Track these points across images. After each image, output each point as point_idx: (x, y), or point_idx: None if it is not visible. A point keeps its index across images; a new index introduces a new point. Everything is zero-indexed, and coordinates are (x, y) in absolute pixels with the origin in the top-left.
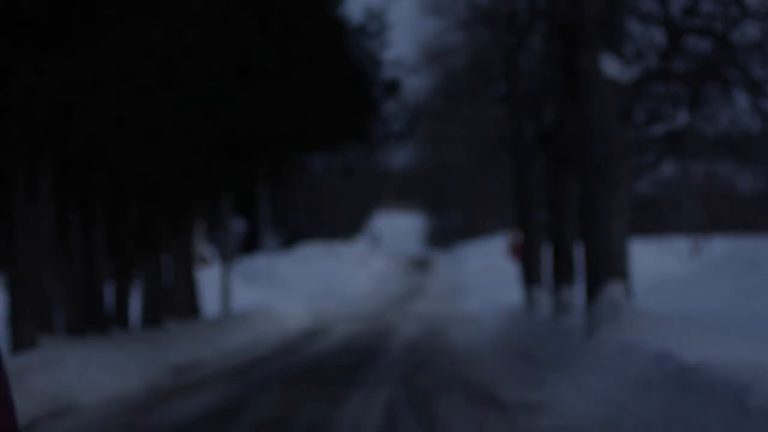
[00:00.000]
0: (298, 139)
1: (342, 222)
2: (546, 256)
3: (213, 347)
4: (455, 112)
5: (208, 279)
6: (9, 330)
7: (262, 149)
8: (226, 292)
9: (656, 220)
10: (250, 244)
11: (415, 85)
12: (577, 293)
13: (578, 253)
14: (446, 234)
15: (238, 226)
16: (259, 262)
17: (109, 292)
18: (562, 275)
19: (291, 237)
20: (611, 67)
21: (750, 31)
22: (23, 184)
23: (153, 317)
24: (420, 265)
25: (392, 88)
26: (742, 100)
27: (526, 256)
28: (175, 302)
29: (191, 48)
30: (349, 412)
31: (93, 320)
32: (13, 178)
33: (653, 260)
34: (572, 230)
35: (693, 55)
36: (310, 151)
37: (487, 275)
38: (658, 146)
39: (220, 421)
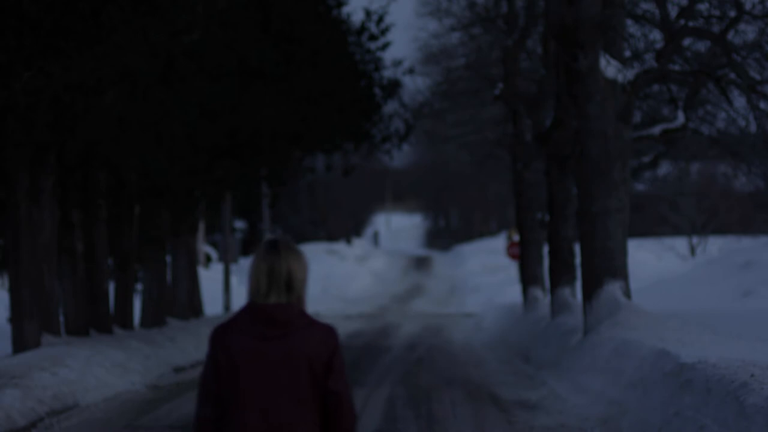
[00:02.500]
0: (298, 140)
1: (342, 222)
2: (545, 255)
3: None
4: (455, 112)
5: (210, 278)
6: (12, 329)
7: (263, 150)
8: (227, 292)
9: (654, 220)
10: (251, 245)
11: (415, 85)
12: (576, 292)
13: (577, 253)
14: (445, 234)
15: (239, 226)
16: None
17: (111, 292)
18: (561, 275)
19: (292, 237)
20: (609, 67)
21: (747, 31)
22: (26, 183)
23: (155, 316)
24: (419, 264)
25: (392, 88)
26: (739, 100)
27: (523, 256)
28: (177, 301)
29: (194, 49)
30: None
31: (95, 319)
32: (16, 177)
33: (651, 260)
34: (571, 230)
35: (690, 56)
36: (311, 152)
37: (486, 275)
38: (656, 146)
39: None
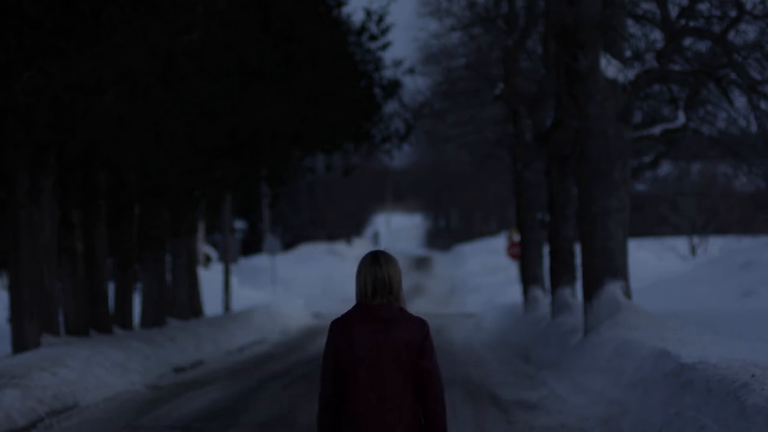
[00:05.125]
0: (298, 140)
1: (342, 222)
2: (545, 255)
3: (214, 346)
4: (455, 112)
5: (210, 279)
6: (12, 329)
7: (263, 150)
8: (227, 292)
9: (655, 220)
10: (251, 245)
11: (415, 85)
12: (576, 292)
13: (577, 253)
14: (445, 234)
15: (239, 226)
16: (259, 262)
17: (111, 292)
18: (561, 275)
19: (292, 237)
20: (610, 67)
21: (747, 31)
22: (26, 183)
23: (155, 316)
24: (420, 264)
25: (392, 88)
26: (739, 100)
27: (523, 256)
28: (177, 302)
29: (194, 49)
30: None
31: (95, 319)
32: (16, 177)
33: (651, 260)
34: (571, 230)
35: (691, 56)
36: (311, 152)
37: (486, 275)
38: (657, 146)
39: (221, 421)
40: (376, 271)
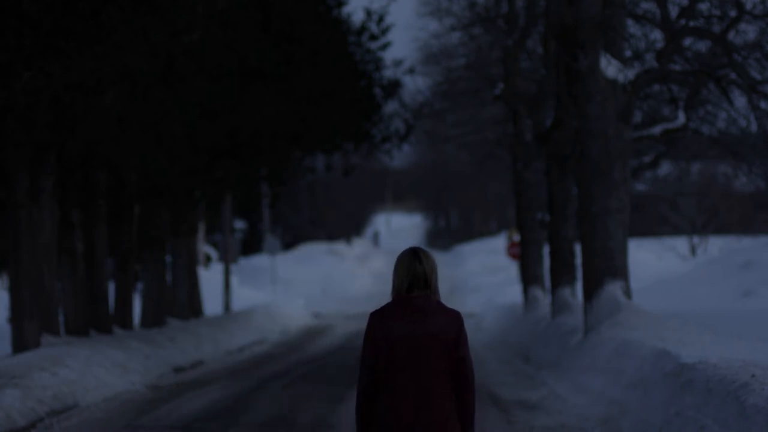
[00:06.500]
0: (298, 140)
1: (342, 222)
2: (546, 255)
3: (214, 346)
4: (455, 112)
5: (210, 279)
6: (12, 329)
7: (263, 150)
8: (227, 292)
9: (655, 220)
10: (251, 245)
11: (415, 85)
12: (576, 292)
13: (577, 253)
14: (445, 234)
15: (239, 226)
16: (259, 262)
17: (111, 292)
18: (561, 275)
19: (292, 237)
20: (610, 67)
21: (747, 31)
22: (26, 183)
23: (155, 316)
24: None
25: (392, 88)
26: (739, 100)
27: (523, 256)
28: (177, 302)
29: (194, 49)
30: (349, 410)
31: (95, 319)
32: (16, 177)
33: (651, 260)
34: (571, 230)
35: (691, 56)
36: (311, 152)
37: (486, 275)
38: (657, 146)
39: (221, 421)
40: (416, 266)
